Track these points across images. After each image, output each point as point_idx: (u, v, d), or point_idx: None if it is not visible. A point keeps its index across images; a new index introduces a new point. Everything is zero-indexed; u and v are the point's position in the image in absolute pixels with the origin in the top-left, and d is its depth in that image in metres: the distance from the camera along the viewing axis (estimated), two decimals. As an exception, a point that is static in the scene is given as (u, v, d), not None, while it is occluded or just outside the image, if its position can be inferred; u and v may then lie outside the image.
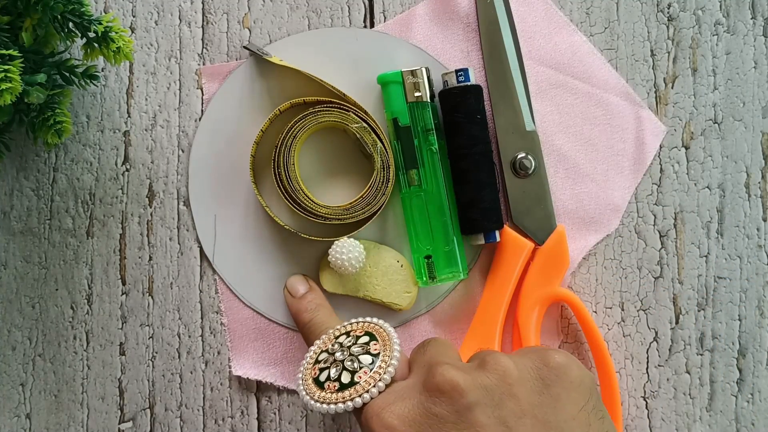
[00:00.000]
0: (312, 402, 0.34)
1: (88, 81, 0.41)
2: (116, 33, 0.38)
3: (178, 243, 0.44)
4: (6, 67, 0.34)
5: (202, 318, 0.44)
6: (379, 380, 0.33)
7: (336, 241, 0.40)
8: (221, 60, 0.44)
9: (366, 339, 0.36)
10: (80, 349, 0.44)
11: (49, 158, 0.44)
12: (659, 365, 0.43)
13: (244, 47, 0.44)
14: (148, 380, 0.44)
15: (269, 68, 0.43)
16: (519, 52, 0.43)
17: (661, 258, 0.44)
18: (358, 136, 0.41)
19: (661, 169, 0.44)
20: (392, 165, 0.41)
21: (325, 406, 0.34)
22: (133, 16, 0.45)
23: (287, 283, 0.42)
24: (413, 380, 0.33)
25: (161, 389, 0.43)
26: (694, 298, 0.44)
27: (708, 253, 0.44)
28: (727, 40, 0.44)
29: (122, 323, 0.44)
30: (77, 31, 0.38)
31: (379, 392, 0.33)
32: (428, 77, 0.42)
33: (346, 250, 0.40)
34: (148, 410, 0.43)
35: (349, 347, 0.35)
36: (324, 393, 0.34)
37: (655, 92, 0.44)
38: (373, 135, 0.41)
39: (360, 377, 0.34)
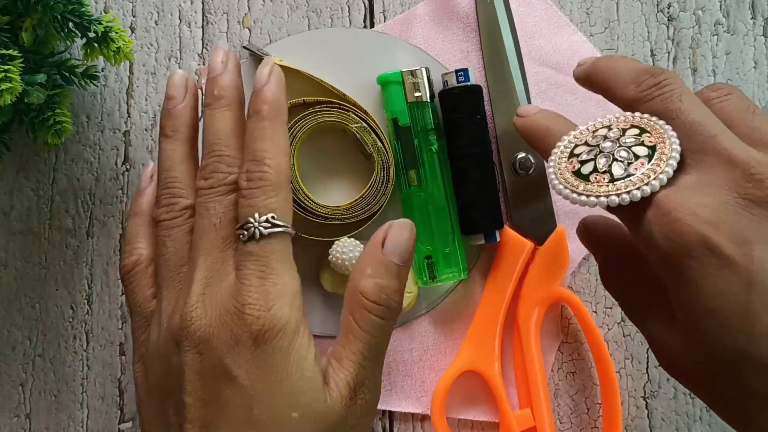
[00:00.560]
0: (575, 195, 0.29)
1: (88, 81, 0.41)
2: (116, 33, 0.38)
3: (178, 243, 0.44)
4: (6, 67, 0.34)
5: (202, 318, 0.44)
6: (661, 173, 0.28)
7: (336, 241, 0.40)
8: (221, 60, 0.44)
9: (635, 131, 0.30)
10: (80, 349, 0.44)
11: (49, 158, 0.44)
12: (659, 365, 0.43)
13: (244, 47, 0.44)
14: (148, 380, 0.44)
15: (269, 68, 0.43)
16: (519, 52, 0.43)
17: (661, 258, 0.44)
18: (358, 136, 0.41)
19: (661, 169, 0.44)
20: (392, 165, 0.41)
21: (593, 198, 0.28)
22: (133, 16, 0.45)
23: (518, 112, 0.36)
24: (700, 174, 0.28)
25: (161, 389, 0.43)
26: (694, 298, 0.44)
27: (708, 253, 0.44)
28: (727, 40, 0.44)
29: (122, 323, 0.44)
30: (77, 31, 0.38)
31: (668, 180, 0.27)
32: (428, 77, 0.42)
33: (347, 249, 0.40)
34: (148, 410, 0.43)
35: (617, 139, 0.30)
36: (590, 185, 0.29)
37: (655, 92, 0.44)
38: (373, 135, 0.41)
39: (636, 169, 0.28)
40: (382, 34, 0.44)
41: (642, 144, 0.29)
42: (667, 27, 0.44)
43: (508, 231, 0.42)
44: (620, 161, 0.29)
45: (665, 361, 0.30)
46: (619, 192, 0.28)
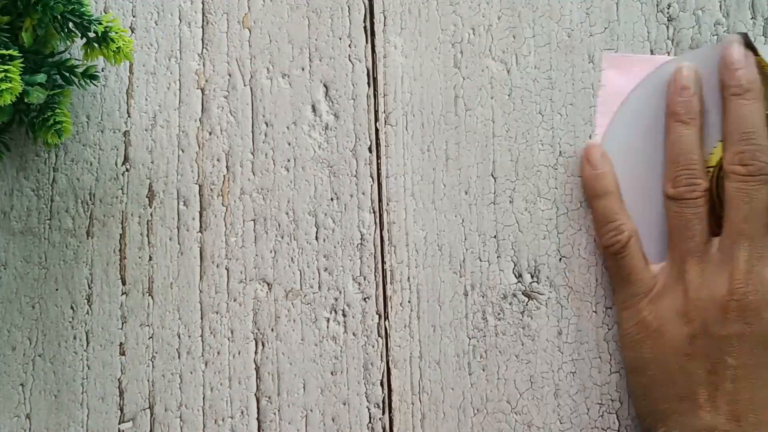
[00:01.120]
0: None
1: (88, 81, 0.41)
2: (116, 33, 0.38)
3: (178, 243, 0.44)
4: (6, 67, 0.34)
5: (202, 318, 0.44)
6: None
7: None
8: (221, 60, 0.44)
9: None
10: (80, 349, 0.44)
11: (49, 158, 0.44)
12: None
13: (738, 34, 0.41)
14: (148, 380, 0.44)
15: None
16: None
17: (661, 258, 0.44)
18: None
19: (661, 169, 0.44)
20: None
21: None
22: (133, 16, 0.45)
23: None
24: None
25: (161, 389, 0.43)
26: (694, 298, 0.44)
27: (708, 253, 0.44)
28: (727, 40, 0.44)
29: (122, 323, 0.44)
30: (77, 31, 0.38)
31: None
32: None
33: None
34: (148, 410, 0.43)
35: None
36: None
37: (655, 92, 0.44)
38: None
39: None
40: None
41: None
42: (667, 27, 0.44)
43: None
44: None
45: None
46: None
